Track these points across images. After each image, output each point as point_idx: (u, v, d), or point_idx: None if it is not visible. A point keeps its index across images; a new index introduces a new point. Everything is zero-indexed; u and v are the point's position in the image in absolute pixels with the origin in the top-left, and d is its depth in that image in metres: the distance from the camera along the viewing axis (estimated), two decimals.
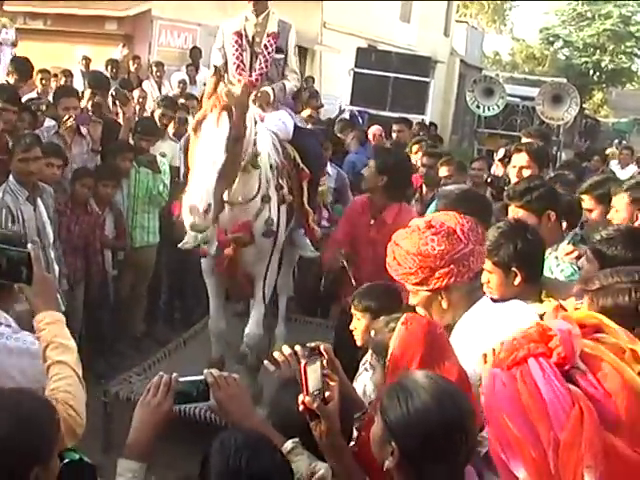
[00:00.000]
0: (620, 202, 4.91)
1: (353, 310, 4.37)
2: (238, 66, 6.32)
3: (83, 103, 7.97)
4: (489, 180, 7.61)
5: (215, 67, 5.85)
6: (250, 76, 6.31)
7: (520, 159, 6.10)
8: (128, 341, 7.65)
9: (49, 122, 7.42)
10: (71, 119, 7.06)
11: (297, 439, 2.68)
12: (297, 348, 2.88)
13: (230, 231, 5.66)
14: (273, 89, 6.34)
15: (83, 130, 7.29)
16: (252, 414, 2.70)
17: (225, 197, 5.44)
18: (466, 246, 2.90)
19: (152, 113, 9.12)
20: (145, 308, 8.03)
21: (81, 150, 7.26)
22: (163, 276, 8.32)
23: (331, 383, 2.63)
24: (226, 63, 6.33)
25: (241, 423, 2.65)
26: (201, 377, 2.68)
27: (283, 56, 6.45)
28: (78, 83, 11.28)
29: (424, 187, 7.88)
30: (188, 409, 4.89)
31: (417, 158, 9.00)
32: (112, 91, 8.48)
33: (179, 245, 6.26)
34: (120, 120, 8.04)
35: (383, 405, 2.38)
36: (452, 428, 2.24)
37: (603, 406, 2.03)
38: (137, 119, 8.33)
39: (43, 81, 10.83)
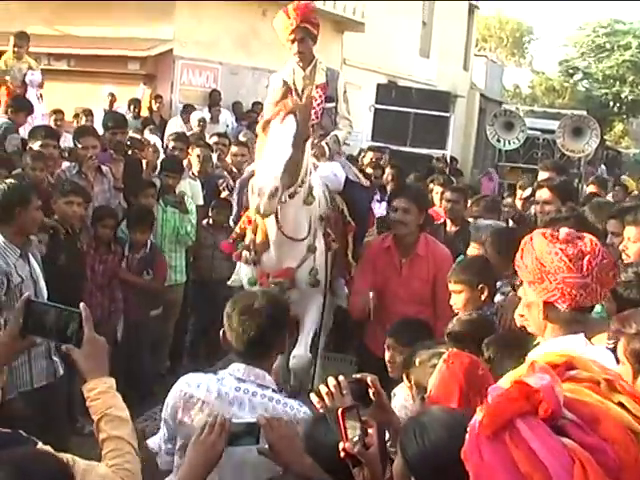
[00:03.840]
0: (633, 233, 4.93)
1: (388, 344, 4.49)
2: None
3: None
4: (517, 218, 7.62)
5: (284, 81, 6.04)
6: None
7: (542, 194, 6.14)
8: (153, 378, 7.65)
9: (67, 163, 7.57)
10: (93, 158, 7.15)
11: None
12: (341, 379, 2.87)
13: (272, 275, 5.70)
14: (327, 143, 6.43)
15: (104, 168, 7.36)
16: (302, 456, 2.70)
17: (274, 231, 5.67)
18: (583, 277, 2.75)
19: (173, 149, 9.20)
20: (170, 345, 8.06)
21: (102, 188, 7.34)
22: (189, 314, 8.33)
23: (369, 430, 2.63)
24: None
25: (292, 464, 2.66)
26: (253, 420, 2.68)
27: (334, 104, 6.52)
28: (100, 122, 11.40)
29: (448, 222, 7.86)
30: None
31: (434, 193, 9.05)
32: (127, 139, 8.55)
33: (228, 282, 6.44)
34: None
35: (401, 441, 2.39)
36: None
37: (601, 453, 1.93)
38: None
39: (57, 122, 10.97)
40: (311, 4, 6.80)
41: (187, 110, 14.45)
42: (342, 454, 2.57)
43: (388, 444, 2.72)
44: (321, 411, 2.90)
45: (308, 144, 5.68)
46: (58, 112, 11.41)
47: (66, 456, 2.41)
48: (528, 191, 7.88)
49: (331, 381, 2.83)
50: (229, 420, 2.63)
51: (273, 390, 3.28)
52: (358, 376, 2.91)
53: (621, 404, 2.06)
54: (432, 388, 2.85)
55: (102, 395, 2.70)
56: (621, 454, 1.95)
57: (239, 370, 3.28)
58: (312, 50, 6.44)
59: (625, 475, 1.93)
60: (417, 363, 3.39)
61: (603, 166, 25.69)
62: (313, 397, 2.89)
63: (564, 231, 2.86)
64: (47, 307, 2.81)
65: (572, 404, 2.02)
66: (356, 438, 2.57)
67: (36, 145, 7.27)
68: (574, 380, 2.13)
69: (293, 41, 6.28)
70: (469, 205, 7.92)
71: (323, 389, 2.83)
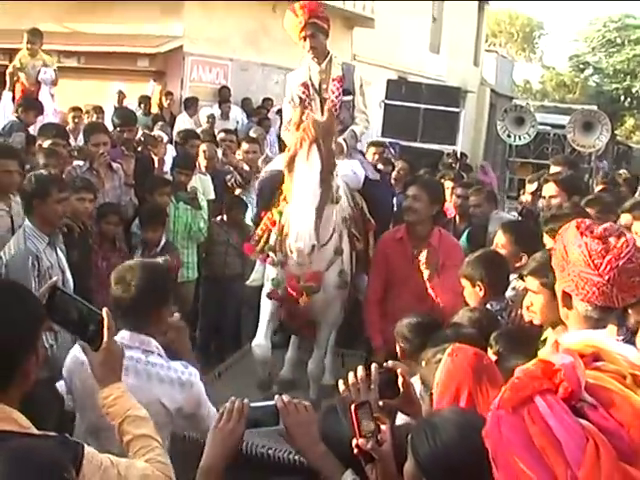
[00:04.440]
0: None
1: (398, 341, 4.47)
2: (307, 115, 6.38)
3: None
4: (524, 212, 7.62)
5: (300, 98, 5.99)
6: None
7: (548, 189, 6.16)
8: None
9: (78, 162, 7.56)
10: (105, 154, 7.16)
11: (351, 470, 2.66)
12: (373, 367, 2.86)
13: (303, 279, 5.70)
14: (345, 140, 6.39)
15: (114, 165, 7.37)
16: (317, 443, 2.69)
17: None
18: (598, 276, 2.64)
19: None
20: None
21: (113, 185, 7.34)
22: (199, 310, 8.34)
23: (382, 426, 2.61)
24: None
25: (305, 451, 2.68)
26: (272, 402, 2.70)
27: (352, 97, 6.51)
28: (110, 119, 11.43)
29: (457, 217, 7.90)
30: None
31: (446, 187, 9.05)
32: (140, 136, 8.57)
33: (247, 282, 6.42)
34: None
35: (413, 442, 2.39)
36: (479, 460, 2.19)
37: (617, 438, 1.95)
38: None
39: (75, 119, 10.99)
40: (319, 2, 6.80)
41: (190, 104, 14.49)
42: (355, 450, 2.56)
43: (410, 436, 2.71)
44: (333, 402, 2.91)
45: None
46: (77, 109, 11.41)
47: (107, 456, 2.47)
48: (534, 185, 7.88)
49: (360, 372, 2.82)
50: (247, 404, 2.65)
51: (159, 355, 3.52)
52: (389, 365, 2.91)
53: None
54: (438, 382, 2.85)
55: (118, 400, 2.80)
56: (636, 439, 1.96)
57: (124, 337, 3.47)
58: (325, 45, 6.44)
59: (639, 460, 1.94)
60: (423, 362, 3.38)
61: (605, 161, 25.57)
62: (340, 385, 2.90)
63: (603, 226, 2.76)
64: (71, 299, 2.88)
65: (593, 389, 2.04)
66: (369, 434, 2.56)
67: (46, 144, 7.28)
68: (600, 370, 2.14)
69: (305, 38, 6.29)
70: (469, 194, 7.91)
71: (351, 379, 2.83)
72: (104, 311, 2.82)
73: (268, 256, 5.97)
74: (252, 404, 2.67)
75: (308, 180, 5.23)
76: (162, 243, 7.25)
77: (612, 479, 1.89)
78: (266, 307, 6.17)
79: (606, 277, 2.65)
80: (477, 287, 4.79)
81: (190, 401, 3.58)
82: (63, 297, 2.82)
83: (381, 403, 2.79)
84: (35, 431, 2.35)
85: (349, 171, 6.29)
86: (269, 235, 6.03)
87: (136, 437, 2.72)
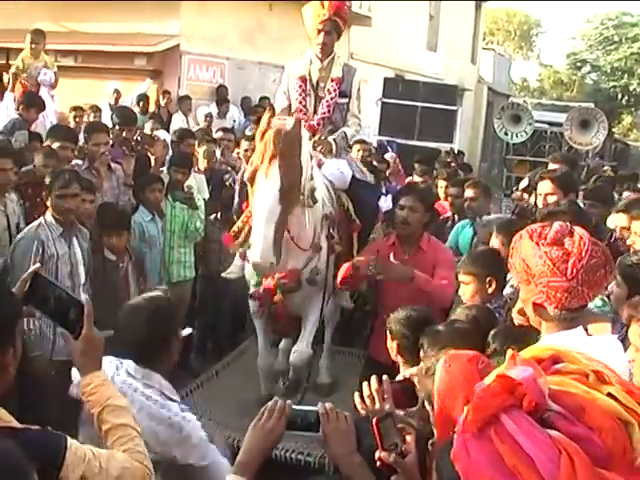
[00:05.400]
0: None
1: (389, 333, 4.37)
2: (300, 110, 6.31)
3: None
4: (517, 211, 7.61)
5: (267, 100, 5.89)
6: (312, 120, 6.38)
7: (544, 187, 6.14)
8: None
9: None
10: (106, 154, 7.15)
11: None
12: (384, 379, 2.86)
13: (278, 277, 5.64)
14: (335, 140, 6.35)
15: (112, 165, 7.37)
16: (353, 453, 2.66)
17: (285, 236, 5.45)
18: (567, 281, 2.72)
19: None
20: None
21: (111, 185, 7.33)
22: (196, 308, 8.34)
23: (407, 437, 2.61)
24: (290, 106, 6.38)
25: (341, 460, 2.65)
26: (315, 408, 2.69)
27: (347, 100, 6.48)
28: (107, 118, 11.39)
29: (455, 216, 7.91)
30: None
31: (439, 187, 9.06)
32: (137, 136, 8.56)
33: (223, 274, 6.33)
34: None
35: (438, 465, 2.35)
36: None
37: (589, 443, 1.89)
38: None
39: (76, 118, 10.98)
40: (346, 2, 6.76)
41: (183, 102, 14.51)
42: (378, 463, 2.56)
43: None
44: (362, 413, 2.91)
45: (304, 157, 5.35)
46: (78, 109, 11.39)
47: (89, 448, 2.49)
48: (525, 182, 7.84)
49: (373, 384, 2.82)
50: (289, 406, 2.65)
51: (159, 391, 3.42)
52: (405, 375, 2.91)
53: (610, 395, 2.05)
54: (436, 393, 2.85)
55: (98, 388, 2.79)
56: (609, 442, 1.91)
57: (131, 366, 3.43)
58: (334, 44, 6.44)
59: (613, 463, 1.92)
60: (423, 371, 3.37)
61: (597, 159, 25.56)
62: (356, 398, 2.90)
63: (554, 229, 2.82)
64: (52, 285, 2.87)
65: (557, 395, 1.99)
66: (392, 447, 2.56)
67: (55, 145, 7.22)
68: (560, 373, 2.11)
69: (320, 31, 6.27)
70: (465, 187, 7.86)
71: (365, 391, 2.82)
72: (84, 298, 2.84)
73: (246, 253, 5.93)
74: (294, 407, 2.67)
75: (267, 198, 5.09)
76: (131, 253, 6.79)
77: None
78: (259, 324, 6.17)
79: (574, 280, 2.72)
80: (487, 283, 4.79)
81: (176, 444, 3.35)
82: (44, 284, 2.82)
83: (402, 413, 2.79)
84: (16, 424, 2.36)
85: (336, 170, 6.23)
86: (249, 229, 5.92)
87: (115, 426, 2.71)
